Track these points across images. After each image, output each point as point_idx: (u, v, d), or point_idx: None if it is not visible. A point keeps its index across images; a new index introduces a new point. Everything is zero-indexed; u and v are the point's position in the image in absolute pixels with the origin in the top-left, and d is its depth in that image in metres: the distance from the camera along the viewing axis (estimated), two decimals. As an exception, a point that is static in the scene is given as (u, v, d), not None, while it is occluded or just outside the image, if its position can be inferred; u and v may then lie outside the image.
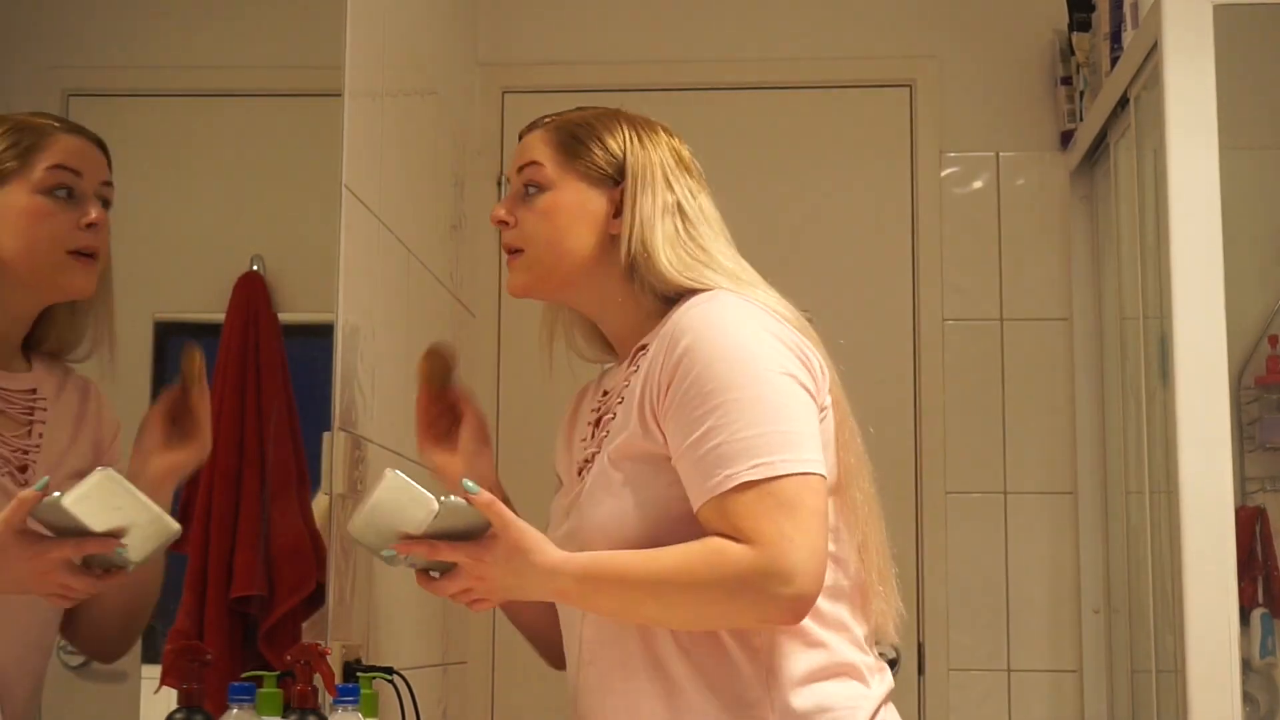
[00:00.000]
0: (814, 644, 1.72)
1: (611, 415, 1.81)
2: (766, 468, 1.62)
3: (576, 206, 1.85)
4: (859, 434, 1.82)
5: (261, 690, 1.88)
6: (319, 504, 2.30)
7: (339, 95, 2.42)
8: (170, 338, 2.03)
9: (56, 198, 1.77)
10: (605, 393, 1.90)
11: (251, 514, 2.11)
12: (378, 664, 2.27)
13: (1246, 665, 2.92)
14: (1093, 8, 3.36)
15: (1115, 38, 3.11)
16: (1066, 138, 3.55)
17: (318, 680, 1.94)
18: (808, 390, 1.70)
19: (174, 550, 2.06)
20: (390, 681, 2.22)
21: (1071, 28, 3.47)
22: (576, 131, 1.88)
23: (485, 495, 1.67)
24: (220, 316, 2.14)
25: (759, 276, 1.86)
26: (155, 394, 2.09)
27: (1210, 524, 2.58)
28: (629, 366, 1.82)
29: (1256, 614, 3.09)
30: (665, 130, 1.92)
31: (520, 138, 1.93)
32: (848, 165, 3.66)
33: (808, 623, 1.68)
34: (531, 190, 1.87)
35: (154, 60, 2.09)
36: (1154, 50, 2.75)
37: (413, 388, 2.90)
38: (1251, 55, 2.99)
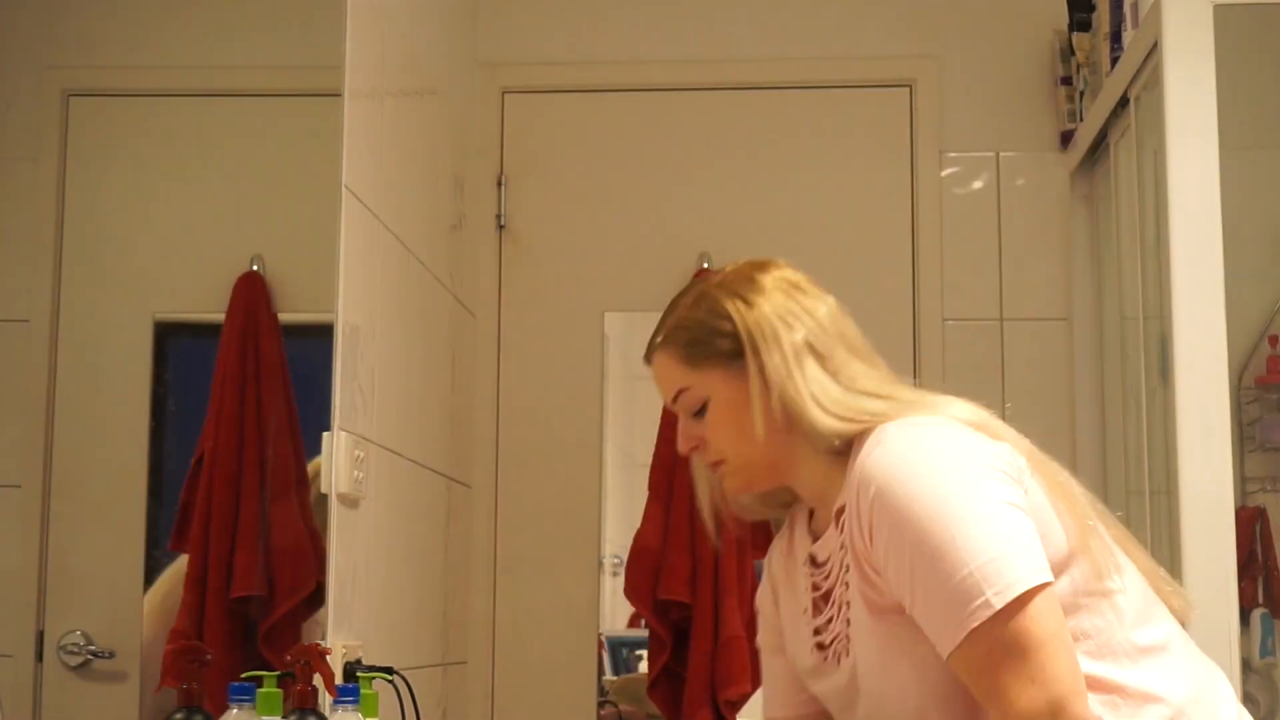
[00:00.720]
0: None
1: (845, 585, 1.74)
2: (998, 597, 1.56)
3: (735, 399, 1.78)
4: (1075, 484, 1.74)
5: (261, 690, 1.88)
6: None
7: (339, 95, 2.42)
8: (170, 338, 2.03)
9: None
10: (818, 563, 1.82)
11: (251, 514, 2.11)
12: (378, 664, 2.27)
13: (1246, 665, 2.92)
14: (1093, 8, 3.36)
15: (1115, 38, 3.11)
16: (1066, 138, 3.55)
17: (318, 680, 1.94)
18: (1009, 492, 1.64)
19: (174, 550, 2.07)
20: (390, 681, 2.22)
21: (1071, 28, 3.47)
22: (690, 335, 1.81)
23: None
24: (220, 316, 2.14)
25: (910, 386, 1.79)
26: (154, 393, 2.09)
27: (1210, 524, 2.57)
28: (839, 533, 1.75)
29: (1256, 614, 3.09)
30: (762, 266, 1.84)
31: (648, 361, 1.87)
32: (848, 165, 3.66)
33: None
34: (697, 413, 1.82)
35: (154, 60, 2.09)
36: (1154, 50, 2.75)
37: (412, 387, 2.91)
38: (1251, 55, 2.98)
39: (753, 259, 1.86)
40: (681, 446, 1.84)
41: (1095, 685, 1.63)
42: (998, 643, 1.56)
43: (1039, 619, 1.58)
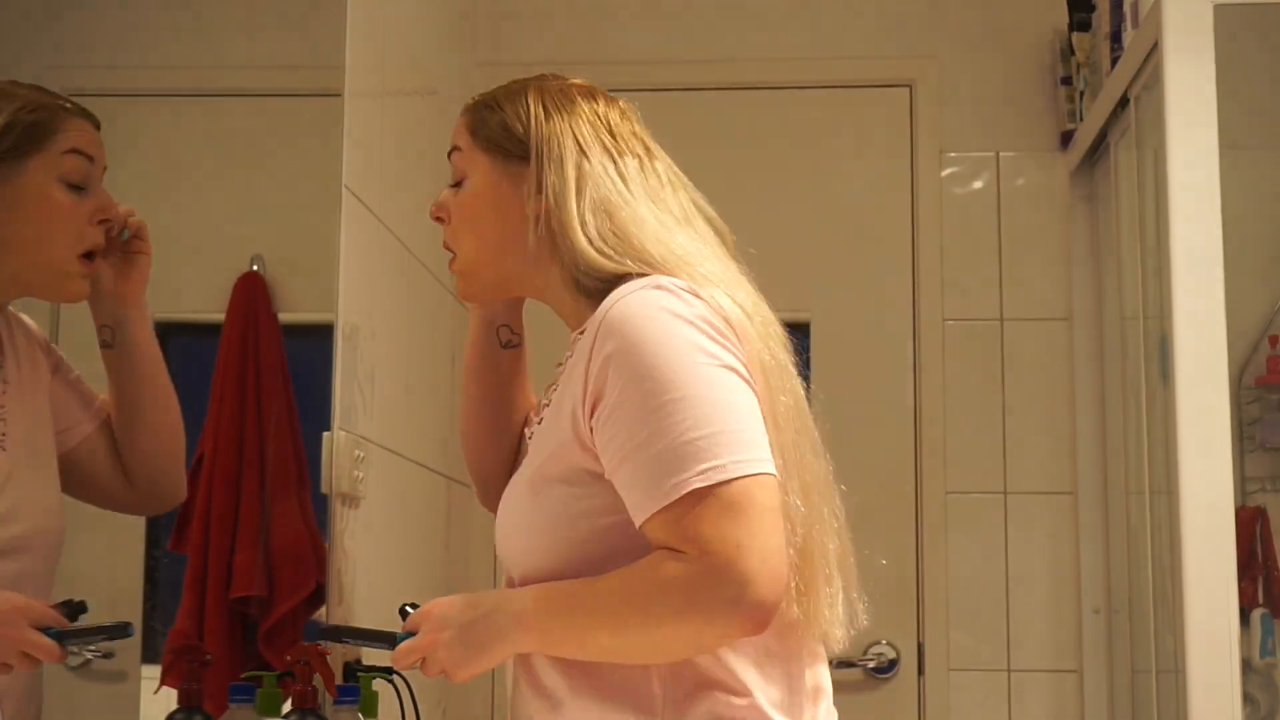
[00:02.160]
0: (714, 684, 1.55)
1: (549, 403, 1.69)
2: (717, 471, 1.47)
3: (489, 192, 1.73)
4: (796, 423, 1.62)
5: (261, 690, 1.88)
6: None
7: (339, 95, 2.42)
8: (170, 338, 2.03)
9: (74, 190, 1.68)
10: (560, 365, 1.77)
11: (251, 514, 2.11)
12: (378, 664, 2.27)
13: (1246, 665, 2.92)
14: (1093, 8, 3.36)
15: (1115, 38, 3.11)
16: (1066, 138, 3.56)
17: (318, 680, 1.94)
18: (747, 382, 1.55)
19: (174, 550, 2.07)
20: (390, 681, 2.22)
21: (1071, 28, 3.47)
22: (485, 113, 1.77)
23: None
24: (220, 316, 2.14)
25: (705, 252, 1.71)
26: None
27: (1210, 524, 2.58)
28: (568, 354, 1.68)
29: (1256, 614, 3.09)
30: (595, 96, 1.78)
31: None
32: (848, 165, 3.66)
33: (720, 657, 1.54)
34: (456, 184, 1.78)
35: (154, 60, 2.08)
36: (1154, 50, 2.75)
37: (412, 387, 2.91)
38: (1251, 55, 2.99)
39: (595, 85, 1.82)
40: (431, 209, 1.80)
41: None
42: (715, 501, 1.46)
43: (767, 494, 1.49)
